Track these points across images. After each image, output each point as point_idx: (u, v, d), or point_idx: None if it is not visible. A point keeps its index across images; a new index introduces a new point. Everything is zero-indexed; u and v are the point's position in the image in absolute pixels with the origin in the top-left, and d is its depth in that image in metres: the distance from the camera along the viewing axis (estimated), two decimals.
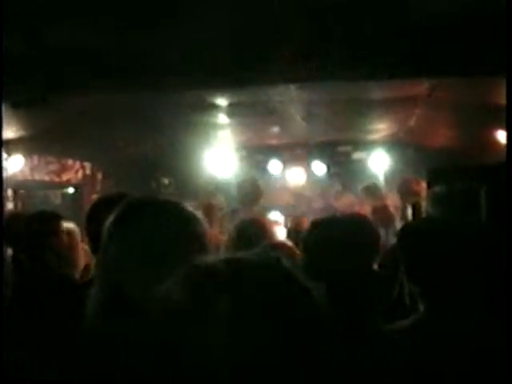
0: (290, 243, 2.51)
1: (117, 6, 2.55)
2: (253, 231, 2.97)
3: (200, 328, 0.81)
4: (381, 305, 1.67)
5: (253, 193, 5.77)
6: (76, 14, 2.80)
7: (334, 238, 1.61)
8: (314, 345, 0.84)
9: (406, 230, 2.00)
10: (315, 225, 1.69)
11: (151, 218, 1.37)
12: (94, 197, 6.15)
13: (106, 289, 1.34)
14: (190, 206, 1.45)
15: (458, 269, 1.80)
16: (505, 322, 1.55)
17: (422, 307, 1.79)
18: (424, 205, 3.90)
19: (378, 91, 4.00)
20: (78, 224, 4.61)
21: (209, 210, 5.55)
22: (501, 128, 3.91)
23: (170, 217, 1.39)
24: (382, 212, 5.07)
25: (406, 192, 4.98)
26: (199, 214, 1.43)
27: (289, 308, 0.83)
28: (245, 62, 2.90)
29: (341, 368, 0.92)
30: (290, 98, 4.21)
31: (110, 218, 1.41)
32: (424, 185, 4.16)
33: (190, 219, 1.40)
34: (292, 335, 0.81)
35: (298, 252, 1.77)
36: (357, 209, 6.85)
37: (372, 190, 6.09)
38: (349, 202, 7.71)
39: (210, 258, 0.92)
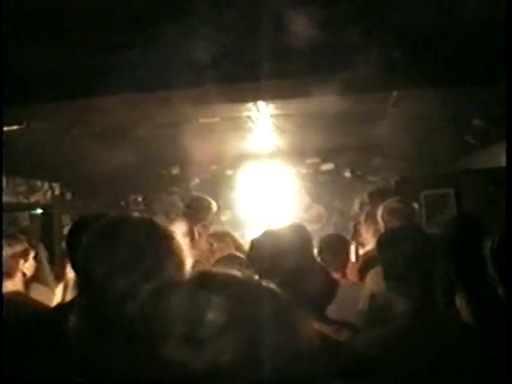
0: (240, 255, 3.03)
1: (90, 24, 2.55)
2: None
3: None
4: None
5: None
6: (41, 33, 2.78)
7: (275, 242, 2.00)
8: None
9: (386, 238, 2.07)
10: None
11: (134, 234, 1.36)
12: (64, 217, 6.05)
13: (91, 311, 1.31)
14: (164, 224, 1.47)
15: (434, 270, 1.89)
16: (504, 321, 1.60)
17: (403, 308, 1.85)
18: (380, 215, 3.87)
19: (345, 104, 4.07)
20: (47, 245, 4.50)
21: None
22: (466, 136, 4.03)
23: (152, 233, 1.38)
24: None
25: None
26: (175, 231, 1.46)
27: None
28: (215, 78, 2.91)
29: None
30: (259, 113, 4.25)
31: (89, 236, 1.38)
32: None
33: (169, 236, 1.41)
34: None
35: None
36: (324, 220, 6.91)
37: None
38: (317, 214, 7.76)
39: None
